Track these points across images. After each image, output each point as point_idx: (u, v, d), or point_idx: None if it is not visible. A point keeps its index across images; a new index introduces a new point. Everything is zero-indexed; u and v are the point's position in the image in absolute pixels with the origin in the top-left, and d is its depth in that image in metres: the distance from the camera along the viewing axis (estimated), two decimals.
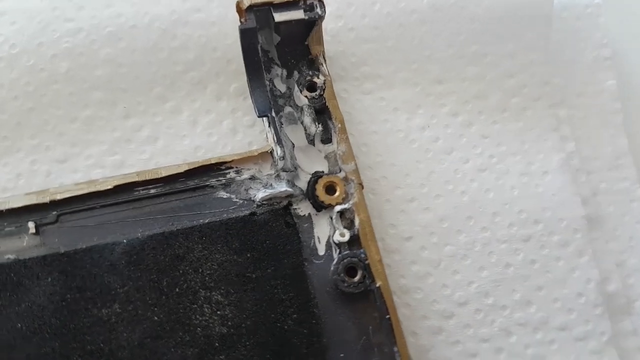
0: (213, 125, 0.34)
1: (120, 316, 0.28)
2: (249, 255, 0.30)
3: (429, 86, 0.35)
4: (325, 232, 0.31)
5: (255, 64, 0.32)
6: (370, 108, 0.35)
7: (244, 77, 0.34)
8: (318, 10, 0.31)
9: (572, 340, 0.32)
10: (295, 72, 0.34)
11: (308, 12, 0.31)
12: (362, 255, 0.30)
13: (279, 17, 0.31)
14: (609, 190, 0.35)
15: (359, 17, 0.35)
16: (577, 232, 0.33)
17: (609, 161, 0.36)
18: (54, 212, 0.30)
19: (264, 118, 0.32)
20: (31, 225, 0.29)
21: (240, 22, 0.31)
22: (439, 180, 0.34)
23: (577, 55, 0.37)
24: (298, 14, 0.31)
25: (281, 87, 0.33)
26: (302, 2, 0.31)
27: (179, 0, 0.34)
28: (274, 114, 0.32)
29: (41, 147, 0.32)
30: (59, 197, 0.29)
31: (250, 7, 0.31)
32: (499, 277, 0.32)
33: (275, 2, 0.31)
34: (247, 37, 0.31)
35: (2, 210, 0.29)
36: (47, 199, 0.29)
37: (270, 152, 0.32)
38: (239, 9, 0.31)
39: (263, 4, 0.31)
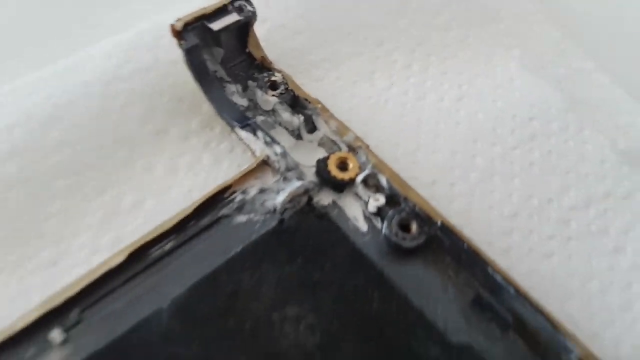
0: (194, 165, 0.31)
1: None
2: (299, 260, 0.27)
3: (373, 50, 0.36)
4: (358, 209, 0.29)
5: (209, 80, 0.31)
6: (331, 91, 0.34)
7: (202, 110, 0.32)
8: (249, 7, 0.31)
9: (620, 201, 0.32)
10: (250, 82, 0.32)
11: (241, 13, 0.31)
12: (408, 208, 0.28)
13: (216, 25, 0.30)
14: (567, 74, 0.37)
15: (282, 13, 0.35)
16: (568, 112, 0.34)
17: (554, 51, 0.38)
18: (75, 311, 0.25)
19: (243, 132, 0.30)
20: (55, 335, 0.24)
21: (180, 44, 0.30)
22: (429, 123, 0.33)
23: None
24: (232, 17, 0.31)
25: (242, 102, 0.32)
26: (231, 6, 0.31)
27: (101, 60, 0.32)
28: (254, 119, 0.30)
29: (22, 259, 0.27)
30: (72, 292, 0.25)
31: (186, 26, 0.30)
32: (530, 177, 0.32)
33: (207, 13, 0.30)
34: (194, 56, 0.30)
35: (13, 335, 0.24)
36: (61, 299, 0.25)
37: (265, 160, 0.30)
38: (175, 32, 0.30)
39: (196, 19, 0.30)
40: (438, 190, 0.31)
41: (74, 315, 0.25)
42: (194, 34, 0.30)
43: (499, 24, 0.38)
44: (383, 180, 0.29)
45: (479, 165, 0.32)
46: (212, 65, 0.31)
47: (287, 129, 0.32)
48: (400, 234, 0.28)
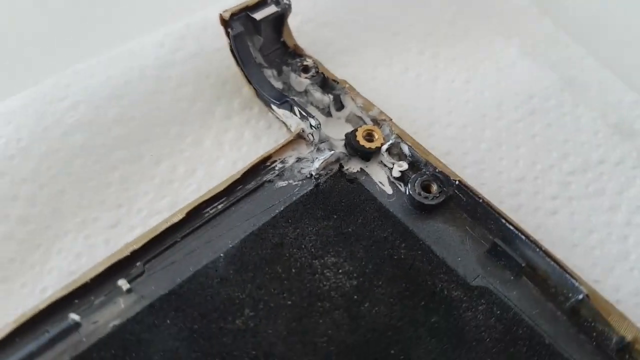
0: (237, 140, 0.35)
1: (256, 318, 0.28)
2: (335, 216, 0.31)
3: (389, 40, 0.40)
4: (384, 175, 0.33)
5: (252, 63, 0.35)
6: (355, 74, 0.38)
7: (242, 92, 0.36)
8: (285, 0, 0.35)
9: (613, 166, 0.36)
10: (284, 67, 0.37)
11: (278, 5, 0.35)
12: (428, 172, 0.32)
13: (258, 16, 0.34)
14: (561, 59, 0.41)
15: (311, 7, 0.39)
16: (564, 91, 0.39)
17: (549, 39, 0.42)
18: (139, 263, 0.29)
19: (280, 110, 0.34)
20: (121, 283, 0.28)
21: (227, 32, 0.34)
22: (442, 101, 0.38)
23: None
24: (271, 9, 0.35)
25: (277, 85, 0.36)
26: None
27: (155, 47, 0.36)
28: (292, 97, 0.34)
29: (87, 221, 0.31)
30: (137, 246, 0.29)
31: (232, 16, 0.34)
32: (533, 146, 0.36)
33: (250, 5, 0.34)
34: (239, 42, 0.34)
35: (84, 284, 0.27)
36: (127, 252, 0.28)
37: (301, 133, 0.34)
38: (223, 21, 0.34)
39: (241, 10, 0.34)
40: (452, 159, 0.35)
41: (138, 267, 0.28)
42: (239, 23, 0.34)
43: (500, 17, 0.43)
44: (405, 149, 0.33)
45: (487, 137, 0.36)
46: (252, 52, 0.35)
47: (318, 107, 0.36)
48: (423, 193, 0.32)
